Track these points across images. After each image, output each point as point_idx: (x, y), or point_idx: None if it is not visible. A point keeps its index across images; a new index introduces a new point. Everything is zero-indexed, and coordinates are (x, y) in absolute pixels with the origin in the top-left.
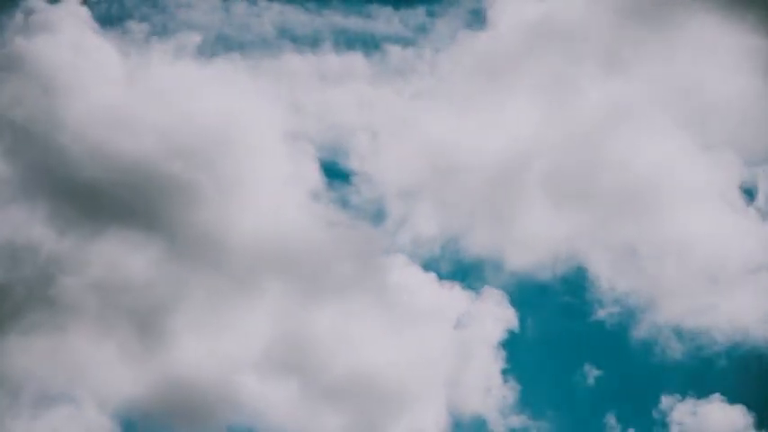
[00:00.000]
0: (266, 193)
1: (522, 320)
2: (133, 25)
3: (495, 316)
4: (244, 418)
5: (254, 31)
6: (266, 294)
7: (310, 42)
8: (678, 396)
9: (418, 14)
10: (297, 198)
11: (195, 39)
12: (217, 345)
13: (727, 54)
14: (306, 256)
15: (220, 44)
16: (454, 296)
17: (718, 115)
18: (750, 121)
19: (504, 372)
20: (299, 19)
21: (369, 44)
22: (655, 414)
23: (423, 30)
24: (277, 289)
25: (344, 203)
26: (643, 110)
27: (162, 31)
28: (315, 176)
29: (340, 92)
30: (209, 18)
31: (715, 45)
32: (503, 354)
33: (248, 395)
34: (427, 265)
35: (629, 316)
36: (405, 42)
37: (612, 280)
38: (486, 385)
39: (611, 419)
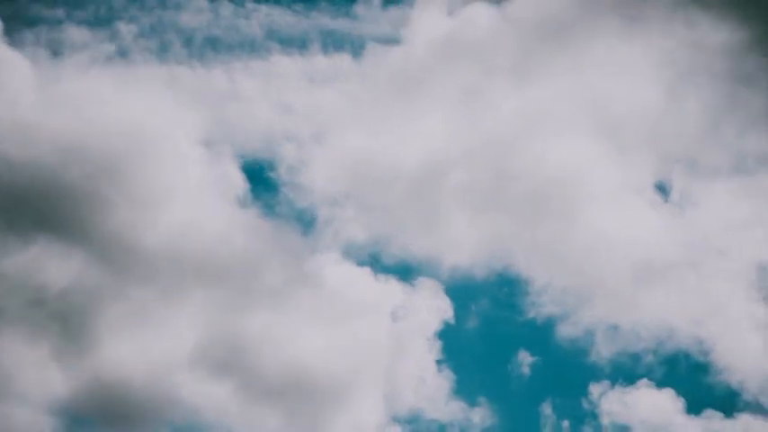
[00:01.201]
0: (187, 199)
1: (457, 312)
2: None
3: (430, 307)
4: (182, 418)
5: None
6: (194, 298)
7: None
8: (608, 384)
9: (342, 24)
10: (220, 205)
11: (110, 47)
12: (147, 347)
13: (633, 67)
14: (232, 261)
15: (138, 52)
16: (390, 290)
17: (628, 121)
18: (659, 126)
19: (440, 362)
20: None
21: (302, 48)
22: (585, 404)
23: (344, 41)
24: (205, 293)
25: (271, 209)
26: (556, 118)
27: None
28: (239, 184)
29: (267, 99)
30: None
31: (621, 59)
32: (438, 344)
33: (184, 396)
34: (361, 262)
35: (558, 312)
36: (331, 50)
37: (541, 278)
38: (423, 375)
39: (545, 408)
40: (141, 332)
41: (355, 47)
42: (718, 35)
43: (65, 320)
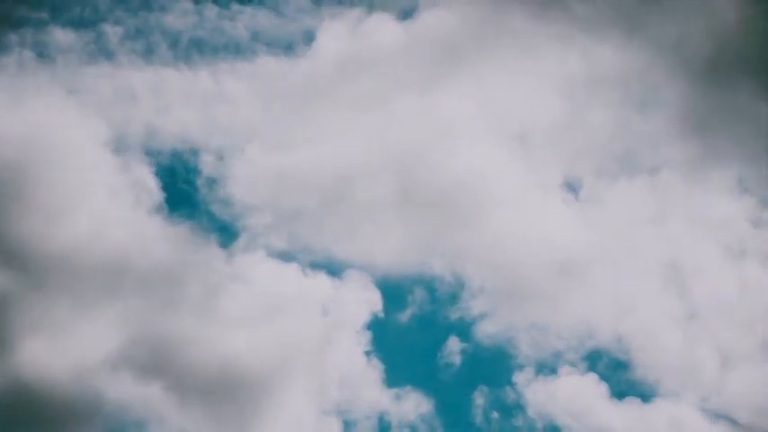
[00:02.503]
0: (98, 206)
1: (386, 305)
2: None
3: (360, 300)
4: (108, 420)
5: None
6: (115, 303)
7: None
8: (533, 375)
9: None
10: (135, 211)
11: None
12: (68, 352)
13: (535, 81)
14: (152, 265)
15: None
16: (318, 285)
17: (532, 129)
18: (563, 134)
19: (370, 353)
20: None
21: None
22: (511, 394)
23: (250, 52)
24: (127, 297)
25: (190, 216)
26: (463, 128)
27: None
28: (155, 190)
29: (185, 106)
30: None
31: (523, 74)
32: (368, 336)
33: (111, 398)
34: (287, 260)
35: (481, 310)
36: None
37: (462, 277)
38: (354, 367)
39: (475, 397)
40: (62, 337)
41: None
42: (612, 61)
43: None
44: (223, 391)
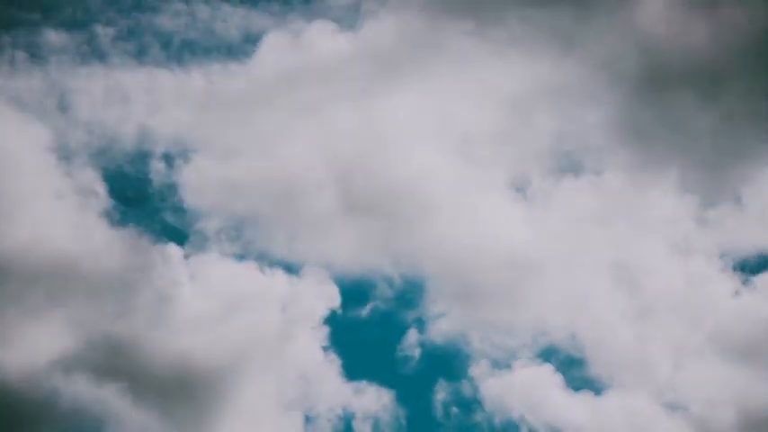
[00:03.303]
0: (45, 211)
1: (344, 301)
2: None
3: (317, 295)
4: (65, 421)
5: None
6: (67, 306)
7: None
8: (489, 372)
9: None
10: (85, 215)
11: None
12: (19, 355)
13: (479, 88)
14: (104, 269)
15: None
16: (276, 282)
17: (478, 132)
18: (508, 137)
19: (328, 348)
20: None
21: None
22: (468, 388)
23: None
24: (80, 300)
25: (141, 219)
26: (412, 133)
27: None
28: (103, 195)
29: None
30: None
31: (467, 81)
32: (326, 331)
33: (67, 401)
34: (244, 259)
35: (436, 308)
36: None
37: (419, 277)
38: (313, 362)
39: (430, 391)
40: (12, 341)
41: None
42: (549, 75)
43: None
44: (181, 389)
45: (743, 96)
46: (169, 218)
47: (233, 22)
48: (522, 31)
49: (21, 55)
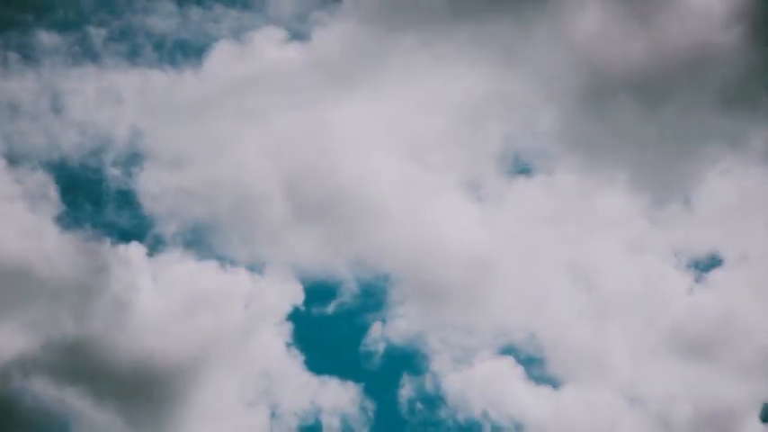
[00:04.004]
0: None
1: (307, 298)
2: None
3: (280, 292)
4: (27, 424)
5: None
6: (22, 309)
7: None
8: (449, 368)
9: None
10: (40, 219)
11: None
12: None
13: (428, 96)
14: (59, 271)
15: None
16: (239, 280)
17: (430, 136)
18: (460, 142)
19: (291, 344)
20: None
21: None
22: (431, 385)
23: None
24: (34, 305)
25: (98, 222)
26: (365, 140)
27: None
28: (56, 199)
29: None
30: None
31: (416, 89)
32: (290, 327)
33: (27, 403)
34: (205, 258)
35: (397, 307)
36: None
37: (380, 277)
38: (278, 358)
39: (392, 388)
40: None
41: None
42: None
43: None
44: (144, 389)
45: (683, 104)
46: (126, 221)
47: (189, 27)
48: (468, 44)
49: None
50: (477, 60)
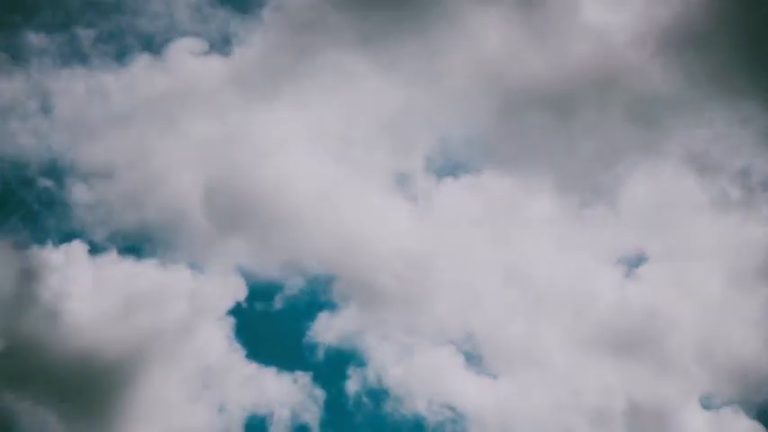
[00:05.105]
0: None
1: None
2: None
3: (222, 288)
4: None
5: None
6: None
7: None
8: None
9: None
10: None
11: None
12: None
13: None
14: None
15: None
16: (179, 276)
17: (359, 138)
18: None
19: (234, 339)
20: None
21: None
22: (373, 379)
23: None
24: None
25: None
26: (291, 143)
27: None
28: None
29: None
30: None
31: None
32: (232, 321)
33: None
34: (142, 256)
35: (334, 307)
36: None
37: (317, 274)
38: (222, 352)
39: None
40: None
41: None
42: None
43: None
44: (87, 390)
45: (590, 117)
46: (57, 227)
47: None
48: (382, 63)
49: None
50: (392, 78)
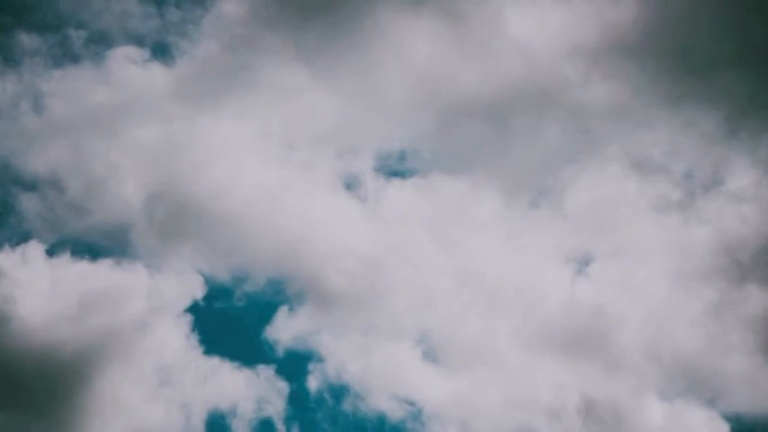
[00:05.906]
0: None
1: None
2: None
3: (180, 286)
4: None
5: None
6: None
7: None
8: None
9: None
10: None
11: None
12: None
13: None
14: None
15: None
16: (137, 275)
17: (307, 136)
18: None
19: (192, 335)
20: None
21: None
22: (333, 376)
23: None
24: None
25: None
26: (242, 144)
27: None
28: None
29: None
30: None
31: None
32: (190, 319)
33: None
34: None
35: (290, 308)
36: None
37: (277, 279)
38: (180, 348)
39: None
40: None
41: None
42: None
43: None
44: (46, 390)
45: (526, 128)
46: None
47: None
48: (320, 76)
49: None
50: (331, 91)
